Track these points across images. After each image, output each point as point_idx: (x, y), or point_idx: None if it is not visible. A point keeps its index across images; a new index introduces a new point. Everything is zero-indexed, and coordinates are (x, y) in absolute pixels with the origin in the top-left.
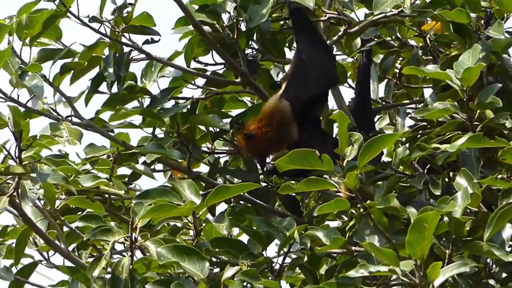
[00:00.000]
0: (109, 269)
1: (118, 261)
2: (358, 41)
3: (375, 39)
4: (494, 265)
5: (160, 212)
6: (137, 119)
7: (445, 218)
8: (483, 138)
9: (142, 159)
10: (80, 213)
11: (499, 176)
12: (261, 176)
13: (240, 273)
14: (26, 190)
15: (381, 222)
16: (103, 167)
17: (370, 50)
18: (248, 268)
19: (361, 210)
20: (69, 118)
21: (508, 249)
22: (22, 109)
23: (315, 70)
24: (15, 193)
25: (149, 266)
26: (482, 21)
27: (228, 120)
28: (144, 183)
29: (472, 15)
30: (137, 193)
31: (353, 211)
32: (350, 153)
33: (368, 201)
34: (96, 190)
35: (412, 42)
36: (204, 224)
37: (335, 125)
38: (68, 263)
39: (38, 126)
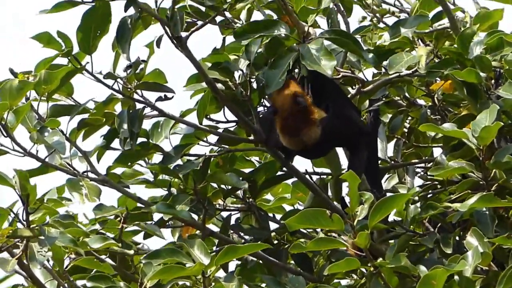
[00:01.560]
0: None
1: None
2: (366, 101)
3: (384, 99)
4: None
5: (169, 273)
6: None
7: (456, 277)
8: (495, 198)
9: (156, 216)
10: (91, 270)
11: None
12: (273, 233)
13: None
14: (35, 252)
15: (392, 281)
16: (112, 227)
17: (379, 109)
18: None
19: (372, 268)
20: (86, 174)
21: None
22: (38, 164)
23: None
24: (23, 255)
25: None
26: (492, 81)
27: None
28: (154, 241)
29: (483, 74)
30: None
31: (363, 269)
32: (361, 213)
33: (379, 260)
34: (106, 250)
35: (420, 101)
36: (213, 284)
37: (345, 184)
38: None
39: (52, 180)
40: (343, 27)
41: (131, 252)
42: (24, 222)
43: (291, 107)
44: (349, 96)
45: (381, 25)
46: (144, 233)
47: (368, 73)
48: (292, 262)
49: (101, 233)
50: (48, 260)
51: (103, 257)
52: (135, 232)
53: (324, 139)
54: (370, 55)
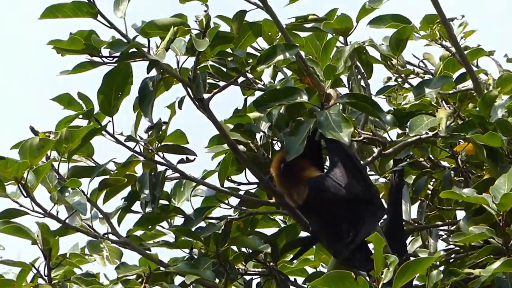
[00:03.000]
0: None
1: None
2: (391, 161)
3: (407, 159)
4: None
5: None
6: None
7: None
8: None
9: (177, 279)
10: None
11: None
12: None
13: None
14: None
15: None
16: (135, 287)
17: (403, 170)
18: None
19: None
20: (107, 236)
21: None
22: (59, 225)
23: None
24: None
25: None
26: None
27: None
28: None
29: (504, 138)
30: None
31: None
32: (386, 276)
33: None
34: None
35: (444, 163)
36: None
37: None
38: None
39: (73, 241)
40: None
41: None
42: (46, 278)
43: (279, 170)
44: (370, 158)
45: (406, 85)
46: None
47: (392, 133)
48: None
49: None
50: None
51: None
52: None
53: (312, 198)
54: (389, 116)
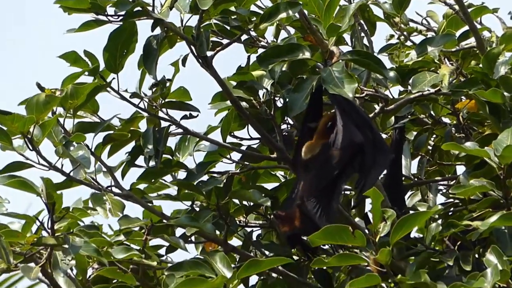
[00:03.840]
0: None
1: None
2: (392, 118)
3: (409, 116)
4: None
5: (192, 285)
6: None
7: None
8: None
9: (178, 231)
10: (114, 280)
11: None
12: (294, 250)
13: None
14: (58, 260)
15: None
16: (137, 239)
17: (404, 127)
18: None
19: (392, 285)
20: (110, 188)
21: None
22: (63, 178)
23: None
24: (47, 263)
25: None
26: None
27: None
28: (177, 255)
29: (507, 94)
30: (169, 265)
31: (383, 285)
32: (383, 229)
33: (399, 276)
34: (129, 261)
35: (445, 119)
36: None
37: (368, 201)
38: None
39: (77, 194)
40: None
41: (154, 263)
42: (49, 231)
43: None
44: (372, 114)
45: (408, 43)
46: (166, 247)
47: (394, 91)
48: (312, 277)
49: (125, 244)
50: (71, 269)
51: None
52: (158, 247)
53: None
54: (392, 73)
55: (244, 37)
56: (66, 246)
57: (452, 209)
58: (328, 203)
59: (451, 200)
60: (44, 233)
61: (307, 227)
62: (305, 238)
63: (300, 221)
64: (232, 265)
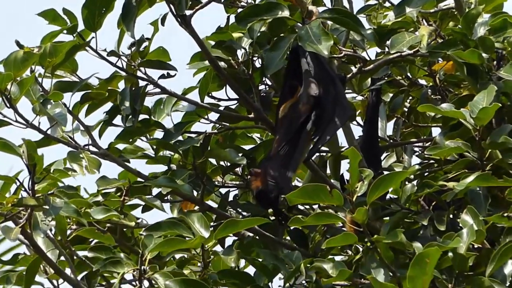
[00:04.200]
0: None
1: None
2: (368, 79)
3: (386, 78)
4: None
5: (170, 246)
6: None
7: (450, 254)
8: (492, 177)
9: (155, 190)
10: (91, 240)
11: (505, 214)
12: (270, 210)
13: None
14: (38, 221)
15: (387, 256)
16: (114, 199)
17: (380, 88)
18: None
19: (368, 244)
20: (87, 147)
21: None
22: (40, 136)
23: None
24: (27, 224)
25: None
26: (494, 62)
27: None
28: (154, 214)
29: (485, 55)
30: (145, 223)
31: (358, 245)
32: (360, 189)
33: (376, 236)
34: (107, 221)
35: (422, 81)
36: (212, 256)
37: (345, 162)
38: None
39: (54, 153)
40: (346, 5)
41: (132, 223)
42: (29, 191)
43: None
44: (350, 75)
45: (387, 4)
46: (142, 207)
47: (372, 52)
48: (288, 238)
49: (103, 205)
50: (50, 230)
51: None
52: (134, 206)
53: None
54: (370, 31)
55: None
56: (47, 207)
57: (427, 170)
58: (290, 159)
59: (427, 161)
60: (24, 194)
61: (272, 185)
62: (274, 197)
63: (267, 179)
64: (210, 224)
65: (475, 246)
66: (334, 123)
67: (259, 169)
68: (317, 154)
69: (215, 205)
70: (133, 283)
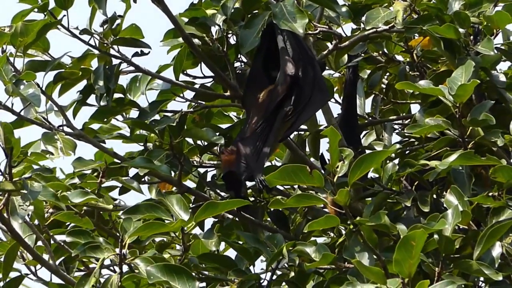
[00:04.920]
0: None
1: (107, 279)
2: (345, 56)
3: (362, 55)
4: (483, 284)
5: (150, 229)
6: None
7: (435, 236)
8: (475, 155)
9: (132, 171)
10: (68, 224)
11: (490, 194)
12: (249, 190)
13: None
14: (16, 206)
15: (371, 239)
16: (91, 181)
17: (357, 65)
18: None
19: (351, 226)
20: (61, 128)
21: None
22: (14, 118)
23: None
24: (4, 209)
25: (138, 283)
26: (471, 37)
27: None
28: (131, 196)
29: (461, 30)
30: (124, 207)
31: (341, 227)
32: (341, 169)
33: (358, 218)
34: (85, 204)
35: (399, 57)
36: (192, 240)
37: (325, 140)
38: (55, 279)
39: (28, 134)
40: None
41: (110, 206)
42: (6, 176)
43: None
44: (326, 51)
45: None
46: (119, 189)
47: (347, 28)
48: (268, 219)
49: (80, 187)
50: (28, 214)
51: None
52: (111, 188)
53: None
54: (344, 8)
55: None
56: (25, 191)
57: (408, 148)
58: (266, 140)
59: (407, 139)
60: (0, 178)
61: (244, 167)
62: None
63: (239, 161)
64: (189, 205)
65: (461, 228)
66: (311, 106)
67: (233, 148)
68: (296, 132)
69: (193, 185)
70: (111, 268)
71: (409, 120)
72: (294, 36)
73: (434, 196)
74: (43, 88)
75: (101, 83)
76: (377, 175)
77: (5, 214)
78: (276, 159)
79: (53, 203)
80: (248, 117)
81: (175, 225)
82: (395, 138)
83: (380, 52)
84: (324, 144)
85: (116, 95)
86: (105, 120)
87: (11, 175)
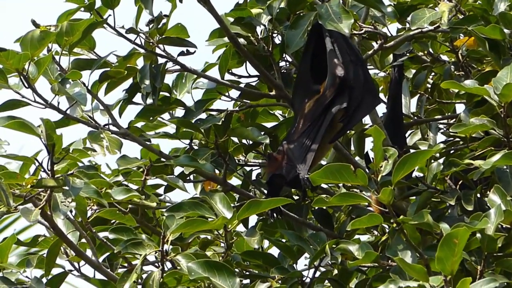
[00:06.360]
0: (139, 281)
1: (148, 275)
2: (390, 56)
3: (408, 54)
4: None
5: (192, 227)
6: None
7: (478, 235)
8: None
9: (177, 169)
10: (112, 221)
11: None
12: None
13: None
14: (58, 202)
15: (414, 237)
16: (135, 179)
17: (403, 65)
18: (279, 284)
19: (394, 225)
20: (107, 126)
21: None
22: (60, 116)
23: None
24: (46, 205)
25: (180, 280)
26: None
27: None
28: (176, 194)
29: (506, 31)
30: (168, 205)
31: (384, 225)
32: (385, 168)
33: (402, 217)
34: (128, 201)
35: (444, 57)
36: (235, 238)
37: (369, 139)
38: (98, 275)
39: (74, 132)
40: None
41: (154, 204)
42: (49, 172)
43: None
44: (371, 51)
45: None
46: (165, 187)
47: (392, 28)
48: (312, 218)
49: (124, 184)
50: (71, 211)
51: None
52: (156, 186)
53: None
54: (390, 9)
55: None
56: (67, 188)
57: (453, 148)
58: (312, 141)
59: (452, 138)
60: (43, 175)
61: (287, 168)
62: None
63: (282, 163)
64: (232, 205)
65: (504, 227)
66: (362, 109)
67: (279, 152)
68: None
69: (238, 184)
70: (155, 264)
71: (454, 119)
72: (344, 38)
73: (478, 195)
74: (89, 87)
75: (147, 82)
76: (421, 174)
77: (48, 211)
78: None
79: (96, 200)
80: (296, 121)
81: (217, 223)
82: (440, 137)
83: (426, 51)
84: (369, 143)
85: (162, 94)
86: (151, 118)
87: (53, 172)
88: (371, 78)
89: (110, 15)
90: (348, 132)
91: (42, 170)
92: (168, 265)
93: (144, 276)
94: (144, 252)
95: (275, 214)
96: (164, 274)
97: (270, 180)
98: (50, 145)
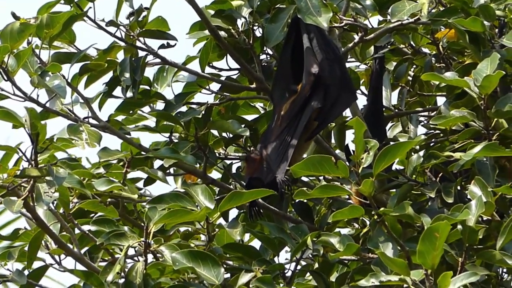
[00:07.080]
0: (122, 274)
1: (132, 266)
2: (371, 48)
3: (389, 46)
4: (506, 274)
5: (175, 218)
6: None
7: (459, 226)
8: (499, 147)
9: (157, 163)
10: (92, 215)
11: None
12: None
13: (255, 279)
14: (41, 193)
15: (395, 229)
16: (116, 171)
17: (383, 57)
18: (263, 275)
19: (375, 217)
20: (87, 120)
21: None
22: (39, 109)
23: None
24: (29, 196)
25: (163, 271)
26: (496, 30)
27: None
28: (156, 188)
29: (486, 23)
30: (148, 198)
31: (364, 218)
32: (366, 160)
33: (383, 208)
34: (109, 194)
35: (425, 49)
36: (217, 230)
37: (351, 131)
38: (80, 267)
39: (53, 126)
40: None
41: (135, 196)
42: (32, 162)
43: None
44: (351, 43)
45: None
46: (145, 179)
47: (374, 21)
48: (293, 211)
49: (105, 176)
50: (53, 203)
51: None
52: (136, 180)
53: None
54: (369, 1)
55: None
56: (50, 178)
57: (433, 140)
58: (288, 142)
59: (432, 131)
60: (25, 164)
61: (264, 171)
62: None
63: (259, 166)
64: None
65: (484, 219)
66: (338, 106)
67: (257, 154)
68: None
69: (218, 177)
70: (136, 258)
71: (434, 112)
72: (321, 34)
73: (458, 187)
74: (69, 80)
75: (127, 75)
76: (401, 167)
77: (30, 202)
78: None
79: (79, 191)
80: (273, 121)
81: (200, 213)
82: (421, 130)
83: (406, 44)
84: (349, 135)
85: (142, 87)
86: (131, 112)
87: (37, 162)
88: (348, 75)
89: (90, 7)
90: (329, 124)
91: (25, 160)
92: (150, 258)
93: (127, 267)
94: (127, 243)
95: (254, 209)
96: (147, 266)
97: (248, 183)
98: (34, 135)
